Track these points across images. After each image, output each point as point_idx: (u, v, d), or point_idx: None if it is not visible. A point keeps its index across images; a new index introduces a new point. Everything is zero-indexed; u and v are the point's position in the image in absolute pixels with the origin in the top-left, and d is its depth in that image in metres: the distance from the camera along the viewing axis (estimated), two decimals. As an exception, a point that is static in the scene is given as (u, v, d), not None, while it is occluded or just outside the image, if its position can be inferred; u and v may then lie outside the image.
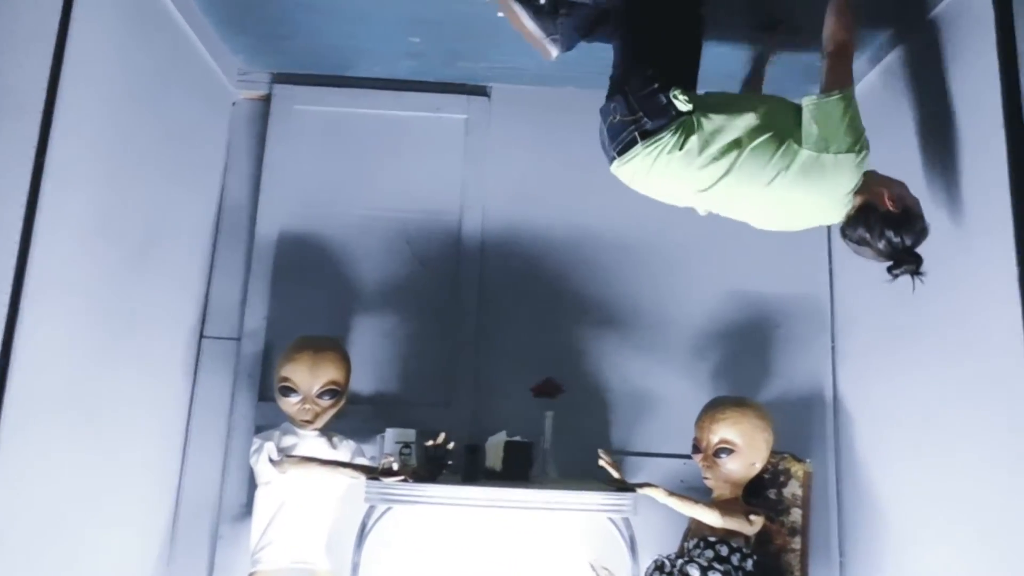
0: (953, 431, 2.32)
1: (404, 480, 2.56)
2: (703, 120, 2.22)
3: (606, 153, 2.38)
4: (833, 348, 3.20)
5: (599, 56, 3.02)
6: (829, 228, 3.19)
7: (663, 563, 2.66)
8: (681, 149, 2.21)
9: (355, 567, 2.67)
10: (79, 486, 2.37)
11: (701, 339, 3.24)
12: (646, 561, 2.67)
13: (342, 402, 2.89)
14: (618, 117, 2.28)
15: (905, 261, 2.15)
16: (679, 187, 2.34)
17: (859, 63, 2.92)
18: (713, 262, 3.28)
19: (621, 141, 2.27)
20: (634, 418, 3.16)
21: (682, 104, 2.21)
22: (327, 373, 2.81)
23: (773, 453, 2.76)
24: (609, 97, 2.35)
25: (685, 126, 2.21)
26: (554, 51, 2.54)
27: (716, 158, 2.20)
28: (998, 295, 2.06)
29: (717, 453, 2.69)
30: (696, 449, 2.77)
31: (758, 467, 2.72)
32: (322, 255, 3.27)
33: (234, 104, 3.41)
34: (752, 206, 2.34)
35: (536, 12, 2.49)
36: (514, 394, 3.02)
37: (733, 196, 2.30)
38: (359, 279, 3.26)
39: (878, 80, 2.88)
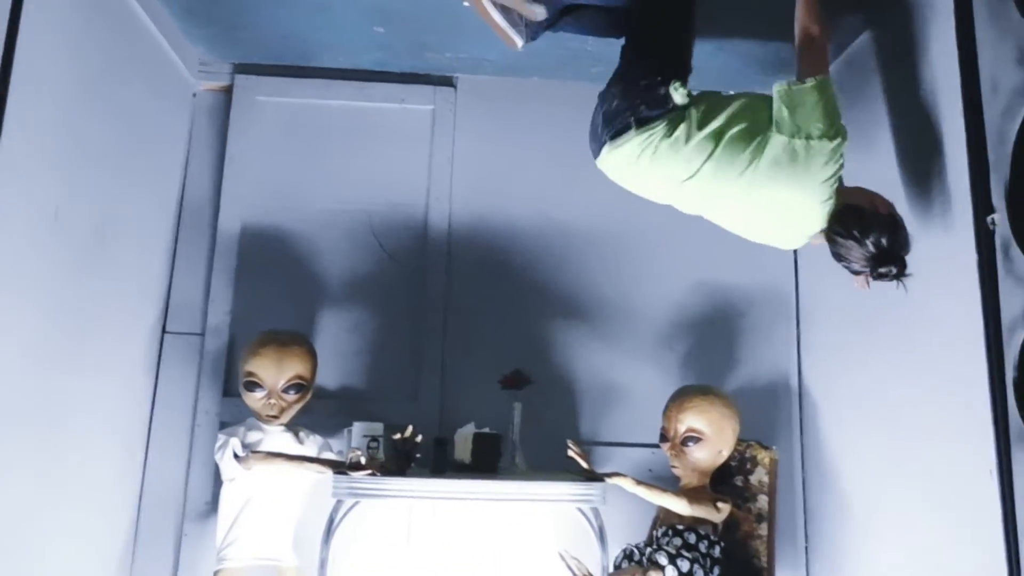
0: (915, 419, 2.35)
1: (372, 474, 2.53)
2: (692, 111, 2.23)
3: (596, 140, 2.37)
4: (798, 337, 3.23)
5: (565, 46, 3.03)
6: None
7: (632, 551, 2.67)
8: (670, 137, 2.22)
9: (323, 563, 2.64)
10: (37, 490, 2.31)
11: (668, 329, 3.25)
12: (615, 550, 2.68)
13: (308, 397, 2.85)
14: (615, 103, 2.28)
15: (892, 263, 2.12)
16: (663, 180, 2.34)
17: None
18: (679, 253, 3.29)
19: (615, 126, 2.27)
20: (602, 408, 3.17)
21: (679, 97, 2.23)
22: (293, 367, 2.77)
23: (739, 441, 2.78)
24: (609, 84, 2.34)
25: (677, 118, 2.23)
26: (519, 41, 2.52)
27: (698, 146, 2.21)
28: (958, 285, 2.08)
29: (684, 442, 2.70)
30: (664, 438, 2.78)
31: (725, 455, 2.74)
32: (286, 248, 3.23)
33: (195, 95, 3.34)
34: (731, 202, 2.32)
35: (502, 2, 2.46)
36: (481, 386, 3.01)
37: (712, 193, 2.30)
38: (324, 272, 3.22)
39: (843, 67, 2.90)
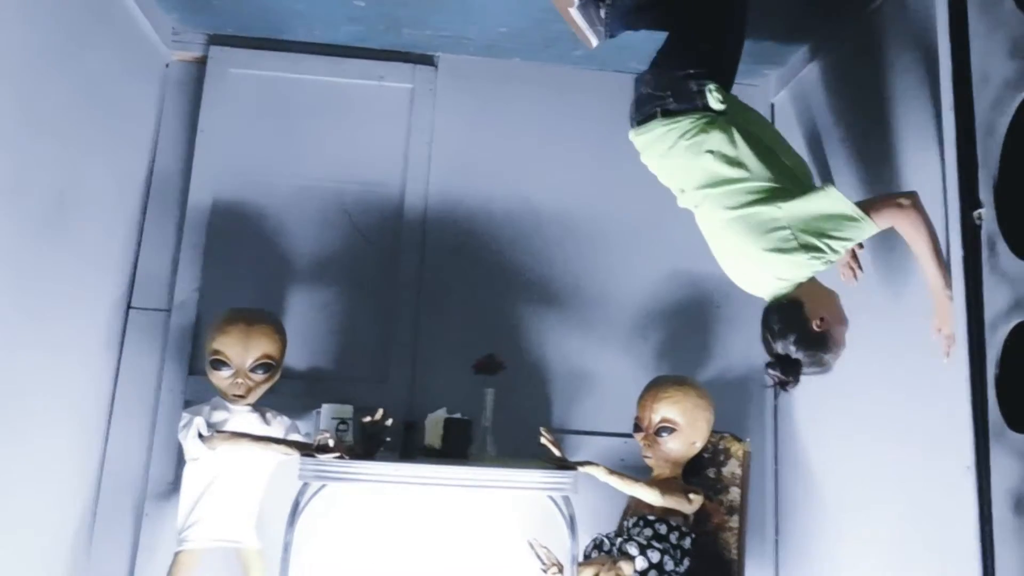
0: (891, 414, 2.32)
1: (340, 457, 2.45)
2: (727, 127, 2.18)
3: (630, 118, 2.37)
4: (774, 329, 3.19)
5: (548, 28, 2.96)
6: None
7: (602, 541, 2.63)
8: (689, 139, 2.20)
9: (287, 546, 2.56)
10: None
11: (642, 318, 3.20)
12: (585, 539, 2.63)
13: (276, 377, 2.77)
14: (648, 90, 2.27)
15: (781, 372, 2.11)
16: (672, 176, 2.34)
17: (798, 55, 2.91)
18: (655, 241, 3.23)
19: (643, 112, 2.28)
20: (575, 396, 3.11)
21: (715, 102, 2.19)
22: (261, 346, 2.69)
23: (713, 433, 2.74)
24: (649, 68, 2.33)
25: (709, 122, 2.19)
26: (594, 40, 2.45)
27: (712, 162, 2.18)
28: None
29: (658, 432, 2.65)
30: (637, 428, 2.74)
31: (698, 446, 2.69)
32: (257, 225, 3.13)
33: (167, 66, 3.22)
34: (714, 224, 2.29)
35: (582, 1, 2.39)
36: (453, 370, 2.95)
37: (701, 207, 2.30)
38: (295, 250, 3.13)
39: (831, 55, 2.85)
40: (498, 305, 3.16)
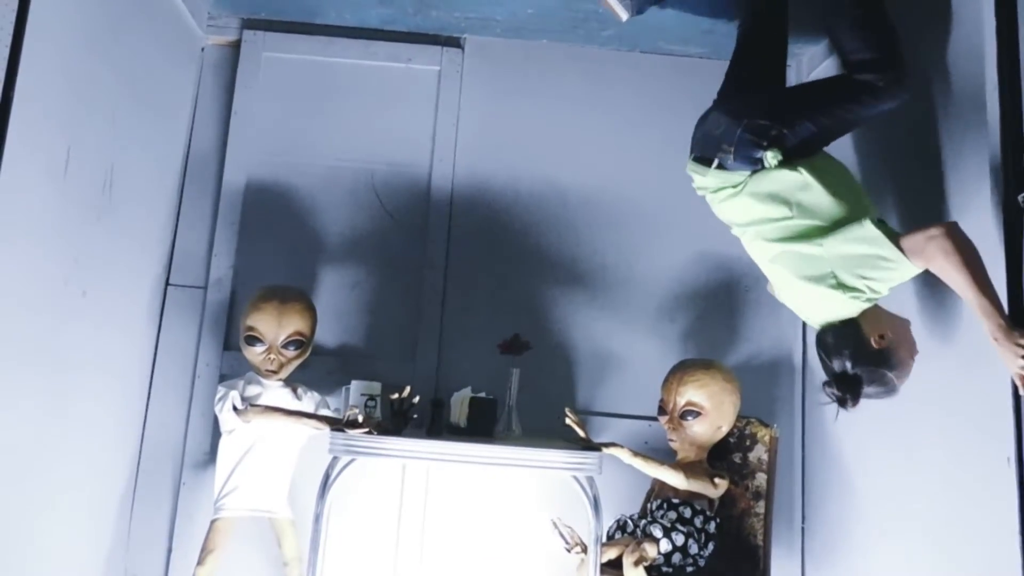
0: (926, 402, 2.17)
1: (368, 432, 2.40)
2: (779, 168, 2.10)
3: (692, 137, 2.30)
4: (803, 313, 3.04)
5: (576, 8, 2.84)
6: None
7: (626, 523, 2.53)
8: (740, 188, 2.16)
9: (318, 517, 2.52)
10: (38, 437, 2.19)
11: (670, 300, 3.07)
12: (608, 520, 2.53)
13: (307, 353, 2.73)
14: (718, 131, 2.16)
15: (839, 390, 2.01)
16: (725, 213, 2.30)
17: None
18: (683, 223, 3.08)
19: (704, 151, 2.21)
20: (600, 378, 3.01)
21: (768, 162, 2.10)
22: (293, 323, 2.65)
23: (739, 417, 2.62)
24: (726, 103, 2.25)
25: (759, 170, 2.13)
26: (624, 14, 2.34)
27: (757, 204, 2.15)
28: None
29: (683, 415, 2.54)
30: (662, 411, 2.62)
31: (724, 430, 2.57)
32: (290, 205, 3.06)
33: (203, 50, 3.16)
34: (765, 260, 2.25)
35: None
36: (480, 350, 2.87)
37: (754, 242, 2.26)
38: (326, 230, 3.06)
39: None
40: (524, 286, 3.06)
